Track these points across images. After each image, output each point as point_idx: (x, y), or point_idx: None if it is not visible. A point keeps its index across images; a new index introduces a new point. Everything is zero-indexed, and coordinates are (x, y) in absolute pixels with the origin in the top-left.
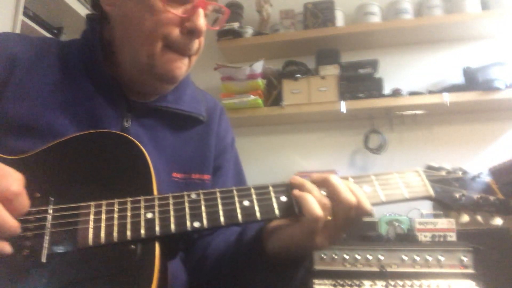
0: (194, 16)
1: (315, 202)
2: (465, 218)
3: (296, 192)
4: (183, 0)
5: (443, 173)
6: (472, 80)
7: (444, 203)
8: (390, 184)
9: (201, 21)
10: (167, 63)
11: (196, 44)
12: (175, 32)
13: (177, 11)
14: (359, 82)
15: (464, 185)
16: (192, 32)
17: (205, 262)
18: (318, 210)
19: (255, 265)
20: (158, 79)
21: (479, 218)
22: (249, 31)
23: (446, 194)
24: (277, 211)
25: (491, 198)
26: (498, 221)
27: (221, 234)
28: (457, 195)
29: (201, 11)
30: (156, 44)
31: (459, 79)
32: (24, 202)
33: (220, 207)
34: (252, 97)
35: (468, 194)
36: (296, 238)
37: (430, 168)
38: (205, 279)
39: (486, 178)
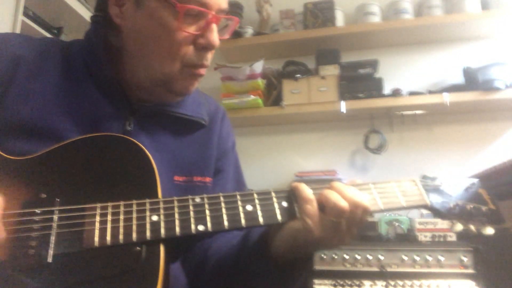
0: (207, 32)
1: (337, 195)
2: (459, 227)
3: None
4: (197, 17)
5: (438, 182)
6: (472, 80)
7: (439, 212)
8: (388, 193)
9: (215, 36)
10: (183, 81)
11: (210, 54)
12: (190, 49)
13: (191, 29)
14: (359, 82)
15: (458, 195)
16: (206, 48)
17: (206, 265)
18: (342, 202)
19: (260, 268)
20: (172, 93)
21: (472, 227)
22: (249, 31)
23: (441, 204)
24: (279, 216)
25: (483, 208)
26: (489, 230)
27: (222, 236)
28: (451, 205)
29: (214, 26)
30: (174, 64)
31: (459, 79)
32: None
33: (224, 211)
34: (252, 97)
35: (462, 204)
36: (297, 238)
37: (425, 177)
38: (206, 281)
39: (479, 188)
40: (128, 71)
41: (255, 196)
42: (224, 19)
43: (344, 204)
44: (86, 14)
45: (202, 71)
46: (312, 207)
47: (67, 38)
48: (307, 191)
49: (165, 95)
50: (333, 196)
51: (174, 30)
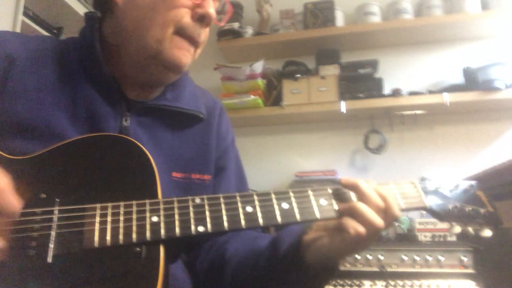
0: (205, 2)
1: (372, 212)
2: (457, 229)
3: (351, 205)
4: None
5: (437, 185)
6: (472, 80)
7: (438, 214)
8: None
9: (212, 10)
10: (175, 50)
11: (204, 33)
12: (186, 17)
13: None
14: (359, 82)
15: (456, 197)
16: (202, 19)
17: (224, 267)
18: (378, 221)
19: (292, 273)
20: (164, 66)
21: (470, 229)
22: (249, 31)
23: (440, 206)
24: (279, 218)
25: (481, 210)
26: (487, 232)
27: (237, 238)
28: (450, 207)
29: (211, 1)
30: (167, 29)
31: (459, 79)
32: (9, 199)
33: (223, 212)
34: (252, 97)
35: (460, 206)
36: (337, 249)
37: (424, 179)
38: (225, 284)
39: (477, 190)
40: (119, 59)
41: (255, 197)
42: (218, 12)
43: (380, 222)
44: (84, 12)
45: (194, 44)
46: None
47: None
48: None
49: (159, 71)
50: (370, 216)
51: None
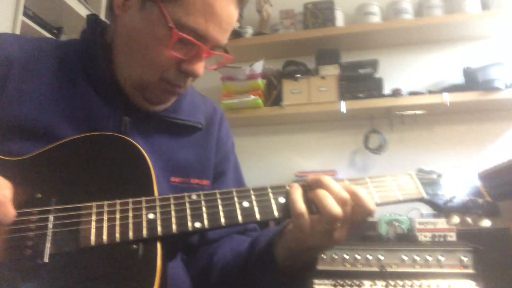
0: (194, 60)
1: (331, 199)
2: (455, 219)
3: (312, 192)
4: (190, 44)
5: (435, 176)
6: (472, 80)
7: (436, 205)
8: (384, 186)
9: (200, 67)
10: (158, 92)
11: (188, 81)
12: (172, 69)
13: (180, 52)
14: (359, 82)
15: (454, 188)
16: (187, 74)
17: (211, 270)
18: (336, 208)
19: (266, 276)
20: (147, 100)
21: (468, 219)
22: (249, 31)
23: (437, 197)
24: (276, 212)
25: (480, 200)
26: (486, 222)
27: (227, 242)
28: (448, 197)
29: (202, 58)
30: (153, 75)
31: (459, 79)
32: (7, 211)
33: (220, 207)
34: (252, 97)
35: (458, 196)
36: (306, 242)
37: (421, 171)
38: (212, 286)
39: (475, 182)
40: (117, 66)
41: (252, 192)
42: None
43: (337, 210)
44: (86, 14)
45: (179, 89)
46: (305, 221)
47: (67, 38)
48: (299, 204)
49: (141, 102)
50: (328, 202)
51: (163, 46)
